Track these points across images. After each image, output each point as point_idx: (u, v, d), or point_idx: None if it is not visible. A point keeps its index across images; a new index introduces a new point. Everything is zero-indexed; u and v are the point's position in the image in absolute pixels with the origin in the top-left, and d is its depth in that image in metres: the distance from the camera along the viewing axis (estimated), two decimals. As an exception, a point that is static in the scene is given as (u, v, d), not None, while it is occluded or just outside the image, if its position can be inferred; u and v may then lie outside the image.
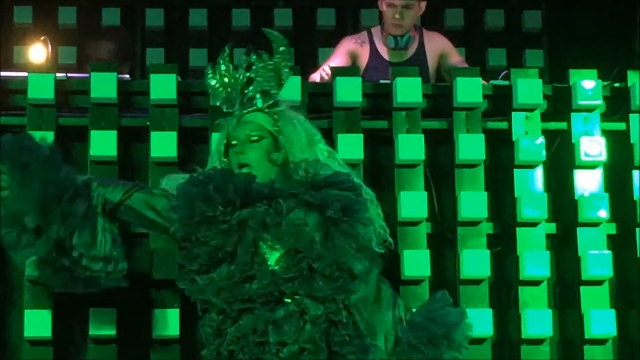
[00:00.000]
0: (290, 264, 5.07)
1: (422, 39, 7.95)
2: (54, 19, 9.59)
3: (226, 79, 5.40)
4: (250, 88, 5.36)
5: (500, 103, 6.60)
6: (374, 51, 7.79)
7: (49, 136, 6.17)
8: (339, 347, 5.06)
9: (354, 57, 7.72)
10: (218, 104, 5.41)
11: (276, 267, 5.08)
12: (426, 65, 7.69)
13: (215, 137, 5.52)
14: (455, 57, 7.97)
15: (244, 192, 5.12)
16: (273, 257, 5.11)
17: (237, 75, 5.38)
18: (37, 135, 5.51)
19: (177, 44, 9.63)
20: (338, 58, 7.69)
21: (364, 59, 7.73)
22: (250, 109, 5.33)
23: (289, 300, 5.06)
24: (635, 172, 6.51)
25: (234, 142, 5.31)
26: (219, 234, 5.10)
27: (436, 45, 8.02)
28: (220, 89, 5.40)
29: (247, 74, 5.37)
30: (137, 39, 9.62)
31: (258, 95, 5.36)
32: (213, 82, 5.41)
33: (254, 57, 5.38)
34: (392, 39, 7.75)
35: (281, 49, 5.39)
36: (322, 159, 5.35)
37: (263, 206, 5.11)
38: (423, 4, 7.85)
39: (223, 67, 5.41)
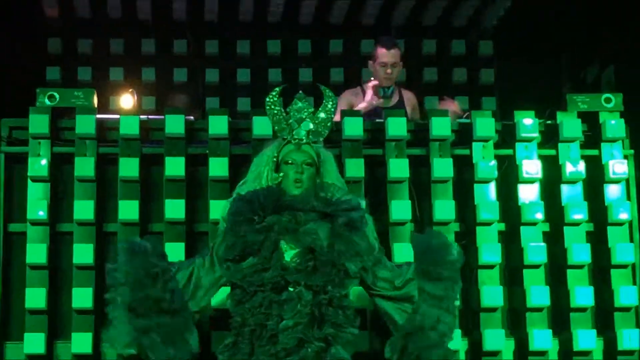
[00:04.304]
0: (302, 260, 5.11)
1: (401, 94, 7.90)
2: (138, 76, 9.61)
3: (280, 113, 5.34)
4: (313, 127, 5.33)
5: (464, 136, 6.56)
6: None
7: (134, 163, 6.23)
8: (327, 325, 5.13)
9: (351, 105, 7.67)
10: (276, 128, 5.34)
11: (290, 262, 5.12)
12: (405, 111, 7.62)
13: (260, 157, 5.44)
14: (418, 115, 7.91)
15: (275, 205, 5.17)
16: (289, 254, 5.13)
17: (296, 111, 5.34)
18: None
19: (228, 94, 9.64)
20: (342, 106, 7.64)
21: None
22: (309, 141, 5.31)
23: (291, 289, 5.09)
24: (562, 186, 6.49)
25: (290, 161, 5.28)
26: (253, 232, 5.13)
27: (410, 101, 7.96)
28: (280, 118, 5.33)
29: (315, 116, 5.34)
30: (200, 91, 9.65)
31: (323, 132, 5.36)
32: (276, 111, 5.34)
33: (324, 103, 5.37)
34: (382, 90, 7.71)
35: (333, 105, 5.39)
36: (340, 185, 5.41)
37: (288, 216, 5.16)
38: (400, 65, 7.81)
39: (276, 103, 5.36)
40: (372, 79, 7.77)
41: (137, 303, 5.17)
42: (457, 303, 5.41)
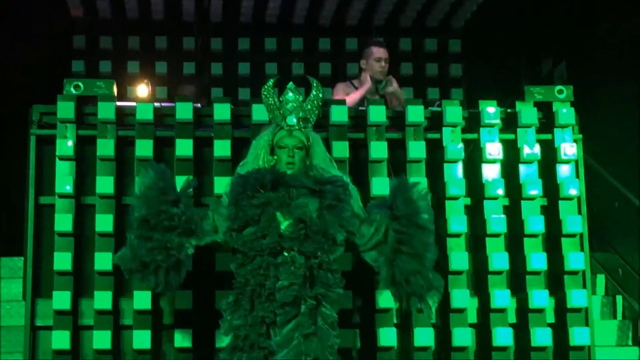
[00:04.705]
0: (295, 229, 5.13)
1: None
2: (152, 69, 9.58)
3: (274, 102, 5.35)
4: (303, 114, 5.34)
5: (435, 122, 6.56)
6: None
7: (149, 144, 6.22)
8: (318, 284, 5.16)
9: (347, 94, 7.65)
10: (271, 116, 5.37)
11: (284, 231, 5.14)
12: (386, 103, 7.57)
13: (257, 141, 5.46)
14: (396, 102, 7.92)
15: (273, 183, 5.20)
16: (284, 224, 5.15)
17: (288, 101, 5.34)
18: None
19: (230, 85, 9.63)
20: (339, 95, 7.64)
21: None
22: (300, 127, 5.32)
23: (286, 254, 5.12)
24: (520, 166, 6.49)
25: (282, 145, 5.31)
26: (253, 206, 5.15)
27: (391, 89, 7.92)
28: (274, 108, 5.34)
29: (305, 105, 5.35)
30: (206, 82, 9.63)
31: (311, 118, 5.37)
32: (270, 101, 5.35)
33: (312, 93, 5.36)
34: (377, 83, 7.70)
35: (320, 95, 5.39)
36: (327, 164, 5.42)
37: (282, 192, 5.18)
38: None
39: (270, 97, 5.36)
40: (364, 75, 7.76)
41: (152, 215, 5.19)
42: (432, 227, 5.34)
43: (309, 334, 5.05)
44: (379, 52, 7.75)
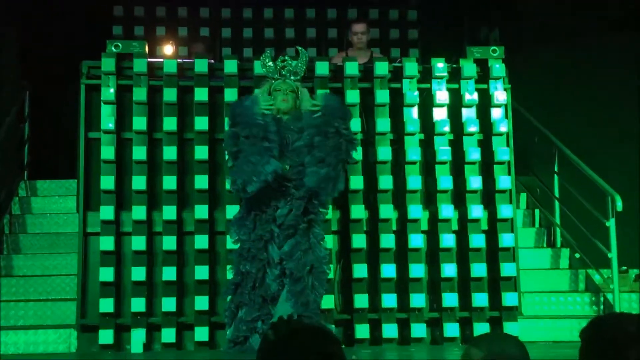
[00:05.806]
0: (295, 171, 5.28)
1: (372, 56, 7.70)
2: (175, 33, 9.51)
3: (271, 63, 5.49)
4: (290, 69, 5.50)
5: (397, 75, 6.55)
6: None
7: (173, 92, 6.19)
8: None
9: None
10: (269, 74, 5.53)
11: (287, 172, 5.25)
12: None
13: (259, 89, 5.56)
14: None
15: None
16: (287, 167, 5.27)
17: (282, 62, 5.49)
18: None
19: (238, 46, 9.58)
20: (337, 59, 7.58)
21: None
22: (292, 78, 5.50)
23: (283, 188, 5.23)
24: (462, 109, 6.49)
25: (278, 90, 5.44)
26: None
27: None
28: (270, 67, 5.50)
29: (293, 63, 5.51)
30: (218, 43, 9.58)
31: (299, 72, 5.54)
32: (269, 63, 5.52)
33: (300, 57, 5.56)
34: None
35: (306, 57, 5.58)
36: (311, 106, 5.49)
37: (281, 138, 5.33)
38: (368, 34, 7.71)
39: (268, 59, 5.51)
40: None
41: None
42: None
43: (306, 249, 5.20)
44: (355, 27, 7.68)
